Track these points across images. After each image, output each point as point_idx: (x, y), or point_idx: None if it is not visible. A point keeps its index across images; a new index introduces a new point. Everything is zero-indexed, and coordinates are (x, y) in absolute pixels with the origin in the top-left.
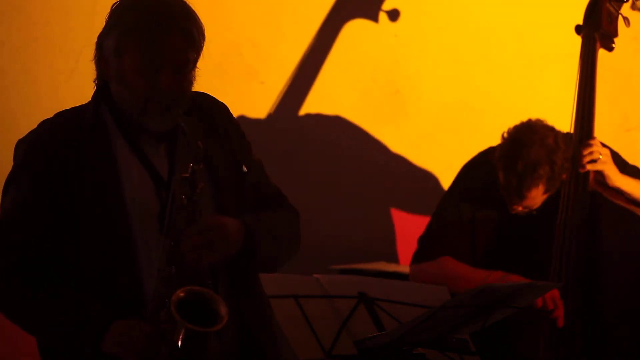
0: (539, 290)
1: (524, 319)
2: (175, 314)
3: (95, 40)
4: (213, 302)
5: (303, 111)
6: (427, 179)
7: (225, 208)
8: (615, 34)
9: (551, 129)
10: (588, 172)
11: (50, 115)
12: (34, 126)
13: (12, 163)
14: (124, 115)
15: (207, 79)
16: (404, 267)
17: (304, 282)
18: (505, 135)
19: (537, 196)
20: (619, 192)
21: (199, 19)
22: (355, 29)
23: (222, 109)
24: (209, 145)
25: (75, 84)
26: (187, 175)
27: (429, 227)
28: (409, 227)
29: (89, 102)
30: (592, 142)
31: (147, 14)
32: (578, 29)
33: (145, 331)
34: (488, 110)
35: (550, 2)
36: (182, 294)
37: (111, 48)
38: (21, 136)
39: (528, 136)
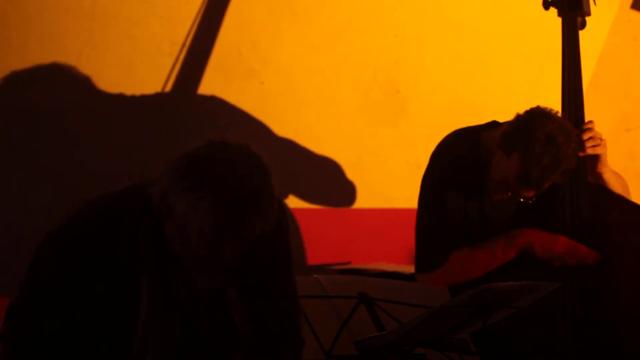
0: (539, 290)
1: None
2: None
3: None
4: None
5: (303, 111)
6: None
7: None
8: (588, 13)
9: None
10: (586, 156)
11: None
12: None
13: (12, 163)
14: (163, 248)
15: (207, 79)
16: (404, 267)
17: (304, 282)
18: (521, 119)
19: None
20: (599, 179)
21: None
22: (355, 29)
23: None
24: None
25: None
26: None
27: (426, 230)
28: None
29: (128, 226)
30: (591, 125)
31: (232, 191)
32: (545, 5)
33: None
34: (488, 109)
35: None
36: None
37: (182, 208)
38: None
39: (558, 132)
